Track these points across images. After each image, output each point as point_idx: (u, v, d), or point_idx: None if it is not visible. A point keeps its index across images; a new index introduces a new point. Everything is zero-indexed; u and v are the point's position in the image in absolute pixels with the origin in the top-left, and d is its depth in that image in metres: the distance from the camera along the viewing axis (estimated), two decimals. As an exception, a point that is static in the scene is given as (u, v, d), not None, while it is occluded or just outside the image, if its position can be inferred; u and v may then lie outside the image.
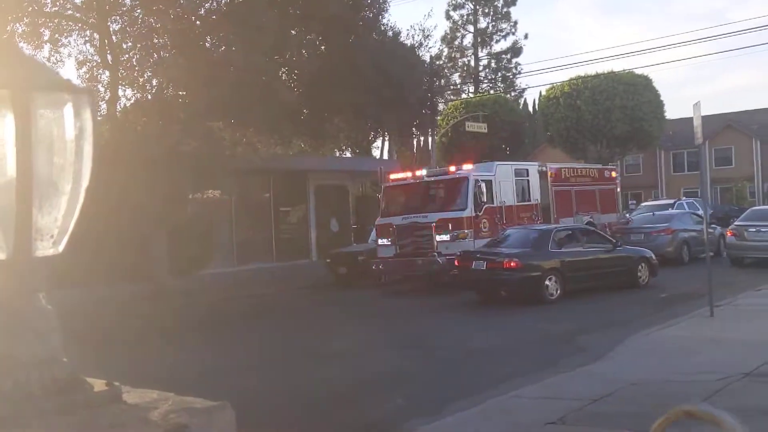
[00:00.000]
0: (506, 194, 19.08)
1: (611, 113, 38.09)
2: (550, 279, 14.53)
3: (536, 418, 6.19)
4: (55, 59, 19.58)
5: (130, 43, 19.22)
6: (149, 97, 19.40)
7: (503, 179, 19.17)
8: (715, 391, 6.61)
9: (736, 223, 20.54)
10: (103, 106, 18.65)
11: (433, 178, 19.06)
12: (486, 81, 50.55)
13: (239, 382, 8.52)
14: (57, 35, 19.60)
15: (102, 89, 19.19)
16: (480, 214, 17.85)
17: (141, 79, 19.29)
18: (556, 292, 14.52)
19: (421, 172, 19.59)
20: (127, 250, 17.49)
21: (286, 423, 7.07)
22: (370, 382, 8.62)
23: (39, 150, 1.59)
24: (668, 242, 21.07)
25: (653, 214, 24.25)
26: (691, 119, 12.53)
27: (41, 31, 19.26)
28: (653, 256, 16.56)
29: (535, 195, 20.34)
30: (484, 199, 17.98)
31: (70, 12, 19.64)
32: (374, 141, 37.00)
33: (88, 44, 20.38)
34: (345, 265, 20.34)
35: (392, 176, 19.94)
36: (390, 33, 27.48)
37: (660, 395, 6.70)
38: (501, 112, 38.98)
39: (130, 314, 14.96)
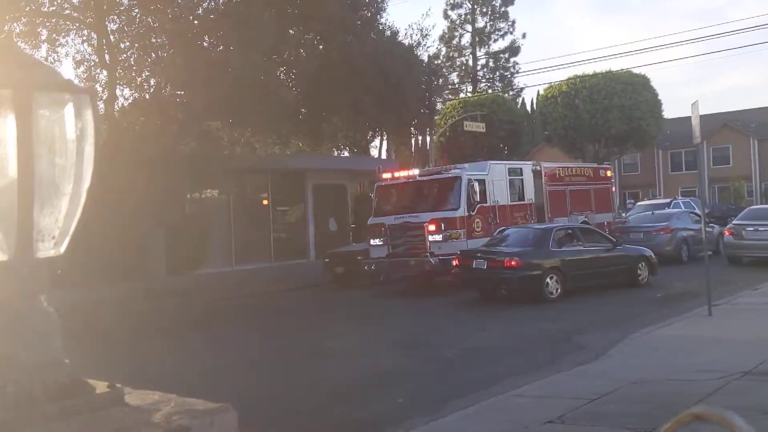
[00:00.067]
0: (500, 194, 18.94)
1: (609, 112, 38.13)
2: (550, 278, 14.57)
3: (535, 416, 6.19)
4: (53, 59, 19.53)
5: (127, 43, 19.19)
6: (147, 96, 19.37)
7: (496, 179, 19.02)
8: (714, 390, 6.61)
9: (733, 222, 20.57)
10: (101, 105, 18.61)
11: (425, 178, 18.90)
12: (484, 80, 50.53)
13: (239, 381, 8.52)
14: (54, 35, 19.56)
15: (100, 89, 19.15)
16: (473, 213, 17.73)
17: (139, 79, 19.26)
18: (556, 291, 14.56)
19: (413, 172, 19.45)
20: (124, 249, 17.46)
21: (286, 422, 7.06)
22: (370, 381, 8.61)
23: (40, 150, 1.58)
24: (667, 241, 21.10)
25: (652, 213, 24.27)
26: (688, 118, 12.55)
27: (39, 30, 19.22)
28: (653, 255, 16.60)
29: (529, 194, 20.16)
30: (477, 198, 17.85)
31: (67, 11, 19.60)
32: (372, 140, 36.94)
33: (85, 44, 20.36)
34: (343, 264, 20.31)
35: (384, 175, 19.61)
36: (388, 32, 27.46)
37: (659, 394, 6.70)
38: (499, 112, 38.98)
39: (128, 314, 14.94)
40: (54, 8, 19.22)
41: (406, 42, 31.53)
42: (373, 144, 37.50)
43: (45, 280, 1.71)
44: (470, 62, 50.42)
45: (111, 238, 15.38)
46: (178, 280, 19.27)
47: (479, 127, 34.06)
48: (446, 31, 49.96)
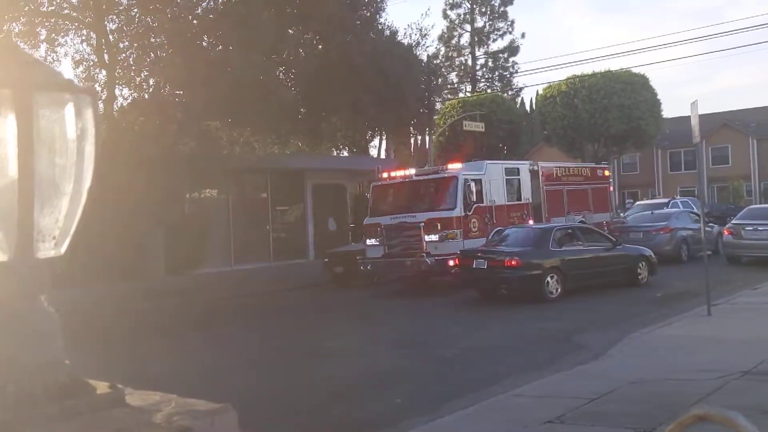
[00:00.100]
0: (496, 193, 18.84)
1: (608, 112, 38.16)
2: (551, 277, 14.58)
3: (535, 416, 6.19)
4: (52, 59, 19.52)
5: (126, 43, 19.18)
6: (146, 96, 19.36)
7: (493, 178, 18.92)
8: (713, 390, 6.61)
9: (733, 221, 20.58)
10: (100, 105, 18.57)
11: (421, 178, 18.79)
12: (483, 80, 50.55)
13: (238, 381, 8.52)
14: (53, 34, 19.54)
15: (98, 89, 19.13)
16: (469, 213, 17.63)
17: (138, 79, 19.25)
18: (557, 290, 14.57)
19: (410, 171, 19.35)
20: (123, 249, 17.45)
21: (285, 422, 7.06)
22: (370, 381, 8.61)
23: (40, 150, 1.58)
24: (667, 241, 21.12)
25: (652, 213, 24.28)
26: (687, 118, 12.56)
27: (38, 30, 19.20)
28: (652, 255, 16.61)
29: (526, 194, 20.07)
30: (474, 198, 17.76)
31: (66, 11, 19.58)
32: (371, 140, 36.96)
33: (84, 43, 20.34)
34: (342, 264, 20.29)
35: (384, 175, 19.51)
36: (387, 32, 27.45)
37: (659, 394, 6.70)
38: (498, 111, 39.01)
39: (127, 314, 14.94)
40: (53, 8, 19.21)
41: (405, 42, 31.57)
42: (372, 144, 37.54)
43: (45, 281, 1.71)
44: (469, 62, 50.46)
45: (110, 238, 15.37)
46: (177, 279, 19.26)
47: (478, 126, 34.07)
48: (445, 30, 50.02)
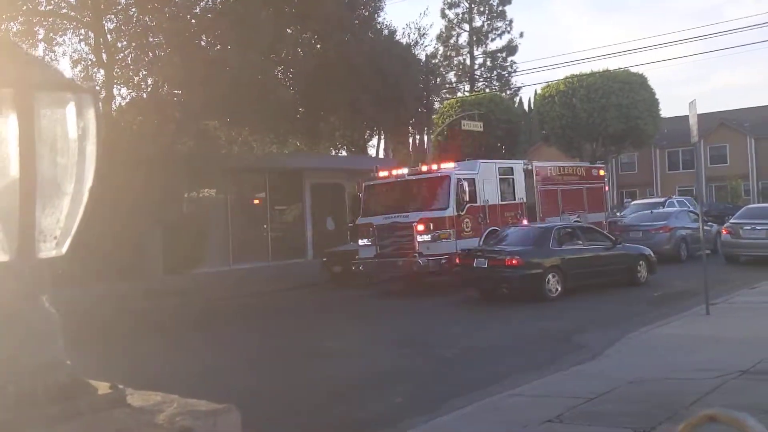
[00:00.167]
0: (490, 193, 18.69)
1: (606, 111, 38.19)
2: (552, 276, 14.59)
3: (534, 415, 6.19)
4: (50, 58, 19.46)
5: (125, 42, 19.17)
6: (144, 96, 19.35)
7: (487, 178, 18.76)
8: (712, 389, 6.62)
9: (731, 221, 20.59)
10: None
11: (414, 177, 18.60)
12: (481, 79, 50.57)
13: (238, 381, 8.51)
14: (52, 34, 19.52)
15: (97, 88, 19.11)
16: (462, 213, 17.48)
17: (136, 78, 19.23)
18: (557, 289, 14.59)
19: (402, 171, 19.22)
20: (122, 248, 17.43)
21: (286, 422, 7.06)
22: (369, 380, 8.61)
23: (42, 150, 1.57)
24: (666, 240, 21.15)
25: (651, 212, 24.30)
26: (686, 117, 12.56)
27: (36, 29, 19.17)
28: (652, 254, 16.63)
29: (520, 194, 19.87)
30: (467, 198, 17.60)
31: (64, 11, 19.57)
32: (370, 139, 37.00)
33: (82, 43, 20.31)
34: (341, 263, 20.27)
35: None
36: (385, 32, 27.45)
37: (658, 393, 6.71)
38: (496, 111, 39.00)
39: (126, 313, 14.93)
40: (51, 7, 19.19)
41: (403, 41, 31.60)
42: (370, 143, 37.57)
43: (46, 281, 1.70)
44: (468, 61, 50.46)
45: (109, 238, 15.35)
46: (175, 279, 19.24)
47: (477, 126, 34.07)
48: (444, 30, 50.02)
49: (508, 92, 49.60)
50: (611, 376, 7.51)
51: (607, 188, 25.15)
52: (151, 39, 18.54)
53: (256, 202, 24.84)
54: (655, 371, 7.68)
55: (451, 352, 10.00)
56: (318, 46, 22.26)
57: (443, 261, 16.80)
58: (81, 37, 20.14)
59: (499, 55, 50.20)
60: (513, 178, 19.85)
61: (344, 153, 35.77)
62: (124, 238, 17.18)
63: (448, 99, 42.95)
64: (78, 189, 1.67)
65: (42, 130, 1.59)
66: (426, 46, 41.51)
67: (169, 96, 19.18)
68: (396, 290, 18.41)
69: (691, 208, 26.10)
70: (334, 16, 20.41)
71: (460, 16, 50.27)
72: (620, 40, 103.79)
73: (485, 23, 50.30)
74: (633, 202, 35.22)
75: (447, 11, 49.97)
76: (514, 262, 14.48)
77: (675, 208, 26.08)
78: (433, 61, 42.31)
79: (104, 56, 18.96)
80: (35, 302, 1.70)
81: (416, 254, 17.04)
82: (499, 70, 50.29)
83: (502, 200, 19.14)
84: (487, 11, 50.01)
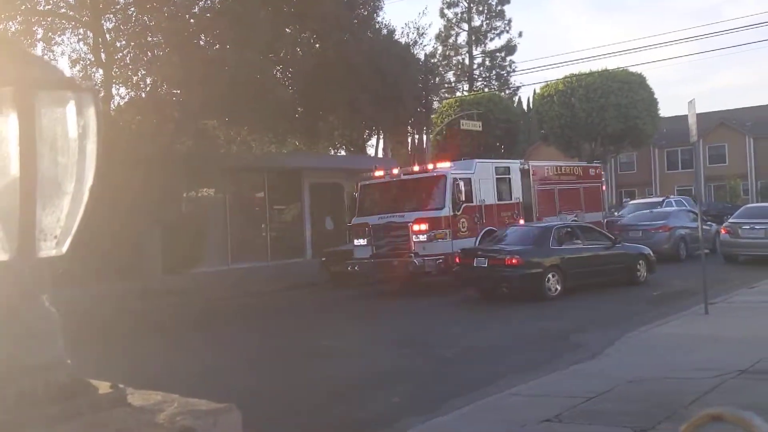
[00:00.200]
0: (486, 193, 18.58)
1: (605, 111, 38.23)
2: (551, 275, 14.60)
3: (533, 415, 6.19)
4: (49, 58, 19.47)
5: (123, 42, 19.15)
6: (143, 95, 19.34)
7: (483, 177, 18.65)
8: (711, 389, 6.62)
9: (730, 220, 20.61)
10: (99, 104, 18.53)
11: (409, 177, 18.50)
12: (480, 79, 50.58)
13: (238, 381, 8.50)
14: (50, 33, 19.50)
15: (96, 87, 19.10)
16: (458, 213, 17.38)
17: (135, 78, 19.22)
18: (556, 289, 14.59)
19: (397, 170, 19.12)
20: (121, 248, 17.42)
21: (285, 422, 7.05)
22: (369, 380, 8.60)
23: (42, 149, 1.56)
24: (665, 239, 21.17)
25: (650, 212, 24.32)
26: (684, 117, 12.56)
27: (34, 29, 19.15)
28: (651, 253, 16.65)
29: (517, 193, 19.76)
30: (463, 198, 17.49)
31: (63, 10, 19.55)
32: (369, 139, 36.97)
33: (81, 42, 20.30)
34: (339, 263, 20.25)
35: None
36: (384, 31, 27.47)
37: (657, 392, 6.71)
38: (495, 110, 39.05)
39: (125, 313, 14.92)
40: (50, 7, 19.18)
41: (402, 41, 31.58)
42: (369, 143, 37.55)
43: (46, 280, 1.70)
44: (466, 61, 50.46)
45: (107, 237, 15.35)
46: (174, 278, 19.23)
47: (476, 125, 34.09)
48: (442, 29, 50.03)
49: (507, 92, 49.62)
50: (610, 375, 7.51)
51: (604, 188, 25.11)
52: (149, 38, 18.53)
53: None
54: (654, 370, 7.68)
55: (451, 352, 10.00)
56: (317, 45, 22.27)
57: (439, 261, 16.73)
58: (80, 36, 20.16)
59: (498, 54, 50.21)
60: (509, 178, 19.75)
61: (343, 152, 35.76)
62: (122, 237, 17.17)
63: (447, 98, 42.98)
64: (78, 188, 1.67)
65: (42, 128, 1.58)
66: (425, 45, 41.53)
67: (167, 95, 19.18)
68: (395, 290, 18.38)
69: (689, 208, 26.12)
70: (333, 16, 20.41)
71: (459, 15, 50.29)
72: (619, 40, 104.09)
73: (484, 23, 50.31)
74: (631, 202, 35.24)
75: (446, 11, 50.02)
76: (514, 261, 14.50)
77: (674, 208, 26.09)
78: (432, 61, 42.30)
79: (103, 56, 18.95)
80: (35, 302, 1.69)
81: (412, 254, 16.94)
82: (498, 70, 50.29)
83: (498, 200, 19.03)
84: (486, 11, 50.02)
